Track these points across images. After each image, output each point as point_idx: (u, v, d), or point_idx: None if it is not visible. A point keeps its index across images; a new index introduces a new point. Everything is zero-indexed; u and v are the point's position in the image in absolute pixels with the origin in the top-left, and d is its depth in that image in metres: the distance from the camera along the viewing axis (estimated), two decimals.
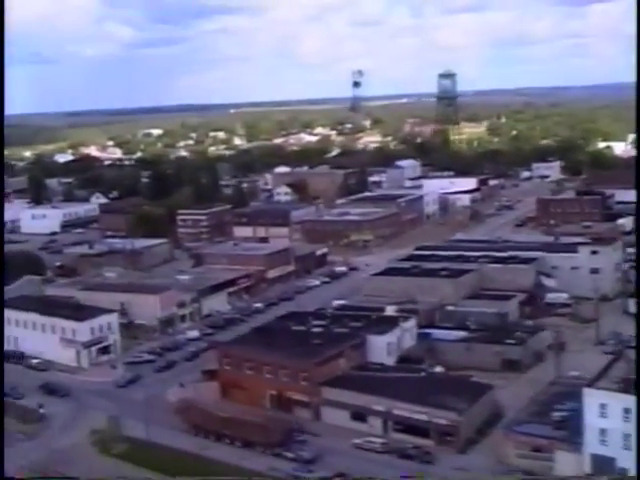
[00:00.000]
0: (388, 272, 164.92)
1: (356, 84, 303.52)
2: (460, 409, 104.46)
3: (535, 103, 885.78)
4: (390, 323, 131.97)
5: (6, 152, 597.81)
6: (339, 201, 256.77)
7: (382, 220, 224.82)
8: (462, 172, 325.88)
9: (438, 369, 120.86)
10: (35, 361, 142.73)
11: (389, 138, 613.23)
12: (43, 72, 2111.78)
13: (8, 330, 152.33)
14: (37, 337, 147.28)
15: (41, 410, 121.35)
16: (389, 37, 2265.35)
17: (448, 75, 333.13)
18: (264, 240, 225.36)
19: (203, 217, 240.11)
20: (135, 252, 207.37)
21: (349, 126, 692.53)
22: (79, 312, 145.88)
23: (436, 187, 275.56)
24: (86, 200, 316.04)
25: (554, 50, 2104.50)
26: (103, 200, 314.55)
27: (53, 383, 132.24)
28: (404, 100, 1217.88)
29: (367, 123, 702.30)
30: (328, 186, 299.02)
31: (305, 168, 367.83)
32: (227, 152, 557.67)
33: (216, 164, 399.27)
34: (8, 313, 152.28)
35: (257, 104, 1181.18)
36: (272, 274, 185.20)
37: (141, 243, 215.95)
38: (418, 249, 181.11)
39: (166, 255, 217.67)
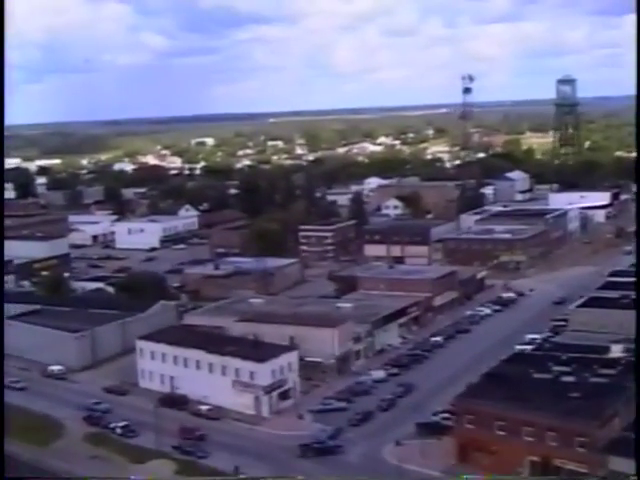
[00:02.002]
0: (592, 303, 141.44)
1: (467, 90, 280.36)
2: None
3: (588, 113, 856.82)
4: None
5: (63, 160, 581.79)
6: (474, 217, 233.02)
7: (533, 239, 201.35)
8: (568, 184, 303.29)
9: None
10: (205, 408, 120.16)
11: (456, 148, 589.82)
12: (78, 81, 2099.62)
13: (160, 368, 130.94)
14: (201, 378, 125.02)
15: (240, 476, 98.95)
16: (422, 47, 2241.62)
17: (568, 81, 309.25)
18: (399, 260, 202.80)
19: (328, 234, 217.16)
20: (267, 273, 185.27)
21: (412, 135, 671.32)
22: (257, 350, 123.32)
23: (563, 202, 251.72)
24: (173, 213, 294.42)
25: (589, 60, 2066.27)
26: (193, 213, 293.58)
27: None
28: (444, 110, 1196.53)
29: (430, 132, 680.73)
30: (439, 200, 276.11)
31: (396, 179, 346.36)
32: (290, 162, 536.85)
33: (294, 174, 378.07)
34: (162, 348, 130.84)
35: (297, 113, 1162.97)
36: (438, 301, 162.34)
37: (268, 263, 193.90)
38: (612, 275, 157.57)
39: (297, 276, 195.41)
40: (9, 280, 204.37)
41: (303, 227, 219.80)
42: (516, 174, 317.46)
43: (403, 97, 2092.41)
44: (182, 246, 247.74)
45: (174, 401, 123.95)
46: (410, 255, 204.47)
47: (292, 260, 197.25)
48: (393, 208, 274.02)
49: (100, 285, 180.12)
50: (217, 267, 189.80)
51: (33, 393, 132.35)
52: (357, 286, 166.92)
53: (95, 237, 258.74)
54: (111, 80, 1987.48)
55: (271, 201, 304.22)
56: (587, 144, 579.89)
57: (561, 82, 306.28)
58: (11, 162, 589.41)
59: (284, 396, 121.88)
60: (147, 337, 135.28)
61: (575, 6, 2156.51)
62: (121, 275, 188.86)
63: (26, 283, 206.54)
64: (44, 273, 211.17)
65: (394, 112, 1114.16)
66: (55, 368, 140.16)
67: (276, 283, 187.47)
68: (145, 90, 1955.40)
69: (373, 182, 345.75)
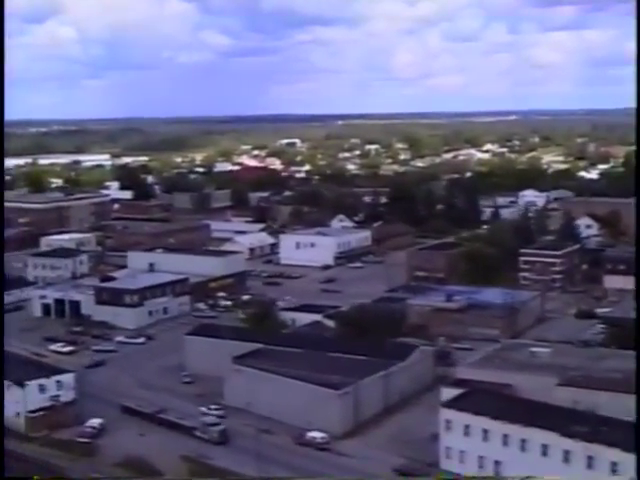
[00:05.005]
0: None
1: None
2: None
3: None
4: None
5: (151, 158, 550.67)
6: None
7: None
8: None
9: None
10: None
11: (570, 158, 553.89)
12: (139, 78, 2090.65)
13: (479, 448, 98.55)
14: (547, 467, 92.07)
15: None
16: (484, 53, 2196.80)
17: None
18: None
19: (557, 260, 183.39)
20: (513, 308, 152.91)
21: (517, 143, 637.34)
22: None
23: None
24: (321, 223, 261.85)
25: None
26: (347, 224, 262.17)
27: None
28: (513, 117, 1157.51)
29: (536, 140, 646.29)
30: (628, 220, 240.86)
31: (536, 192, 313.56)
32: (397, 167, 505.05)
33: (433, 182, 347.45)
34: (483, 422, 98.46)
35: (363, 116, 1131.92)
36: None
37: (493, 294, 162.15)
38: None
39: (537, 312, 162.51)
40: (184, 302, 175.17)
41: (526, 251, 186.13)
42: None
43: (463, 103, 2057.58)
44: (359, 264, 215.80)
45: None
46: None
47: (534, 293, 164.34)
48: (585, 228, 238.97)
49: (317, 317, 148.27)
50: (450, 298, 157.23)
51: (297, 469, 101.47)
52: None
53: (252, 250, 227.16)
54: (172, 78, 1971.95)
55: (432, 213, 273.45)
56: None
57: None
58: (99, 158, 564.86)
59: None
60: (455, 405, 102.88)
61: None
62: (337, 305, 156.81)
63: (201, 305, 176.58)
64: (221, 294, 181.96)
65: (459, 118, 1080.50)
66: (317, 435, 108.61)
67: (519, 320, 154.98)
68: (206, 88, 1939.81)
69: (528, 195, 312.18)
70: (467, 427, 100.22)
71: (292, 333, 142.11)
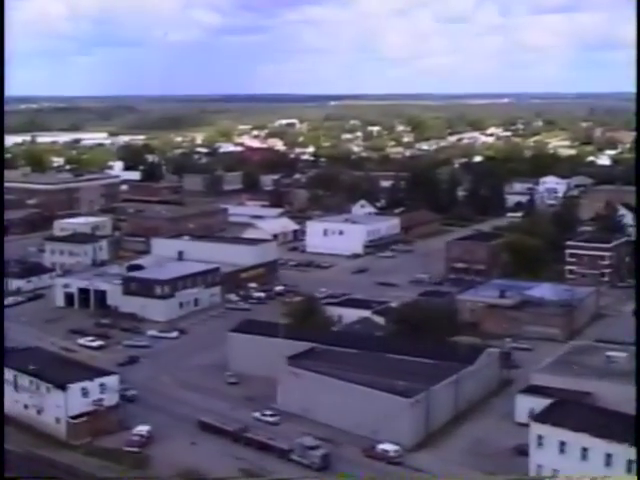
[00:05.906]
0: None
1: None
2: None
3: None
4: None
5: (154, 136, 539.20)
6: None
7: None
8: None
9: None
10: None
11: (576, 142, 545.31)
12: (128, 55, 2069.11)
13: (575, 466, 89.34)
14: None
15: None
16: (475, 35, 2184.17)
17: None
18: None
19: (606, 253, 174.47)
20: (571, 305, 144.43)
21: (521, 126, 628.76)
22: None
23: None
24: (341, 208, 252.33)
25: None
26: (369, 210, 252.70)
27: None
28: (505, 100, 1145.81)
29: (539, 123, 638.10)
30: None
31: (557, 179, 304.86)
32: (403, 150, 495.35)
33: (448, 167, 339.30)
34: (581, 439, 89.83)
35: (356, 97, 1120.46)
36: None
37: (546, 290, 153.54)
38: None
39: (592, 309, 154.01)
40: (215, 292, 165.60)
41: (573, 243, 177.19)
42: None
43: (454, 84, 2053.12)
44: (390, 254, 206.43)
45: None
46: None
47: (590, 288, 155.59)
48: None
49: (366, 314, 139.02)
50: (503, 294, 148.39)
51: None
52: None
53: (275, 236, 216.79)
54: (162, 55, 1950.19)
55: (454, 199, 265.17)
56: None
57: None
58: (98, 136, 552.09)
59: None
60: (548, 419, 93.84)
61: None
62: (385, 301, 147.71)
63: (232, 296, 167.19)
64: (252, 285, 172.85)
65: (451, 100, 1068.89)
66: (389, 448, 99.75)
67: (577, 317, 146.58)
68: (196, 67, 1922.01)
69: (550, 182, 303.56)
70: (563, 444, 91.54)
71: (345, 331, 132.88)
